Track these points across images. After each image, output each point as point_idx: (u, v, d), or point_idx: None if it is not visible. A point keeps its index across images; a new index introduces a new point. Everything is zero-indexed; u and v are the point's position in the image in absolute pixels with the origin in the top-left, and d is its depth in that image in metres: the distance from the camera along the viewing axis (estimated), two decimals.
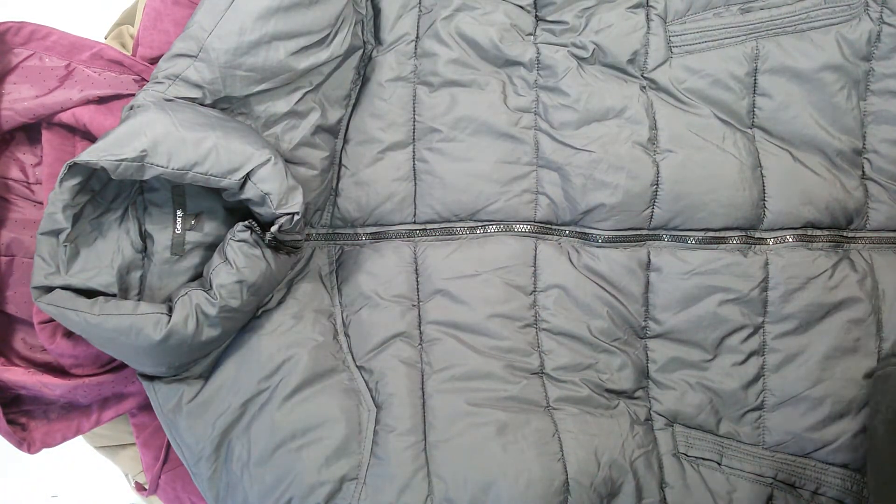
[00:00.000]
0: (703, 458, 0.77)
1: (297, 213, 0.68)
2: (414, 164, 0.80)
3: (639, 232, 0.79)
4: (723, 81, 0.79)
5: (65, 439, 0.78)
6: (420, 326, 0.78)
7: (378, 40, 0.80)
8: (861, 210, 0.80)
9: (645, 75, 0.80)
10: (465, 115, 0.79)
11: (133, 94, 0.75)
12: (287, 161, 0.73)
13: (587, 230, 0.79)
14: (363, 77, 0.80)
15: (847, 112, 0.80)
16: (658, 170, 0.77)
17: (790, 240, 0.79)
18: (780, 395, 0.78)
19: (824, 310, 0.77)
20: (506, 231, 0.80)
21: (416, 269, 0.79)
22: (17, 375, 0.72)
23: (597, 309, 0.78)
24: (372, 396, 0.74)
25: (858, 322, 0.77)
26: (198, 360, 0.72)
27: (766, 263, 0.78)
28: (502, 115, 0.79)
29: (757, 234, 0.79)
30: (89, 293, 0.69)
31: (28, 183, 0.78)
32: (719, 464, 0.77)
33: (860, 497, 0.75)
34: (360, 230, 0.80)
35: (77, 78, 0.75)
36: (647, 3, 0.80)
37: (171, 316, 0.67)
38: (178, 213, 0.73)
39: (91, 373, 0.76)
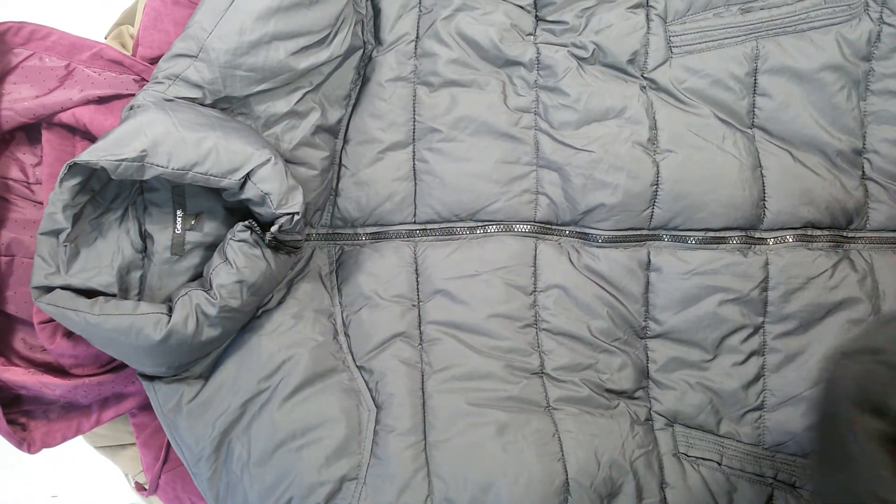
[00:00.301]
0: (704, 458, 0.77)
1: (297, 213, 0.68)
2: (414, 164, 0.80)
3: (639, 232, 0.79)
4: (723, 81, 0.79)
5: (65, 439, 0.78)
6: (420, 326, 0.78)
7: (378, 40, 0.80)
8: (861, 210, 0.80)
9: (645, 75, 0.80)
10: (465, 115, 0.79)
11: (133, 94, 0.75)
12: (287, 161, 0.73)
13: (587, 230, 0.79)
14: (363, 77, 0.80)
15: (847, 112, 0.80)
16: (658, 170, 0.77)
17: (790, 240, 0.79)
18: (781, 395, 0.78)
19: (824, 310, 0.77)
20: (506, 231, 0.80)
21: (416, 269, 0.79)
22: (17, 375, 0.72)
23: (597, 309, 0.78)
24: (372, 396, 0.74)
25: (858, 322, 0.77)
26: (198, 360, 0.72)
27: (766, 263, 0.78)
28: (502, 115, 0.79)
29: (757, 234, 0.79)
30: (89, 293, 0.69)
31: (28, 183, 0.78)
32: (719, 464, 0.77)
33: None
34: (360, 230, 0.80)
35: (77, 78, 0.75)
36: (647, 3, 0.80)
37: (171, 316, 0.67)
38: (178, 213, 0.73)
39: (91, 373, 0.76)
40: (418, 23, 0.80)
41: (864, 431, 0.46)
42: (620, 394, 0.78)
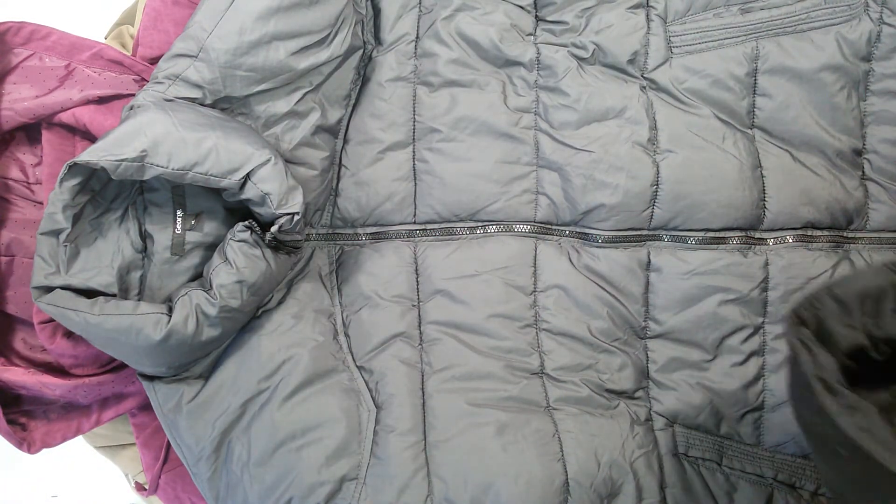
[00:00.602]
0: (704, 459, 0.77)
1: (297, 213, 0.68)
2: (414, 164, 0.80)
3: (639, 232, 0.79)
4: (723, 81, 0.79)
5: (65, 439, 0.78)
6: (420, 326, 0.78)
7: (378, 40, 0.80)
8: (861, 210, 0.80)
9: (645, 75, 0.80)
10: (465, 115, 0.79)
11: (133, 94, 0.75)
12: (287, 161, 0.73)
13: (587, 230, 0.79)
14: (363, 77, 0.80)
15: (847, 112, 0.80)
16: (658, 170, 0.77)
17: (790, 240, 0.79)
18: (780, 396, 0.78)
19: None
20: (506, 231, 0.80)
21: (416, 270, 0.79)
22: (17, 375, 0.72)
23: (597, 309, 0.78)
24: (372, 396, 0.74)
25: None
26: (198, 360, 0.72)
27: (767, 264, 0.78)
28: (502, 116, 0.79)
29: (757, 235, 0.79)
30: (89, 293, 0.69)
31: (28, 183, 0.78)
32: (719, 464, 0.77)
33: None
34: (360, 230, 0.80)
35: (77, 78, 0.75)
36: (648, 3, 0.80)
37: (171, 316, 0.67)
38: (178, 213, 0.73)
39: (91, 373, 0.76)
40: (418, 23, 0.80)
41: (797, 335, 0.52)
42: (620, 394, 0.78)
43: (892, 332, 0.52)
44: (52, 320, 0.71)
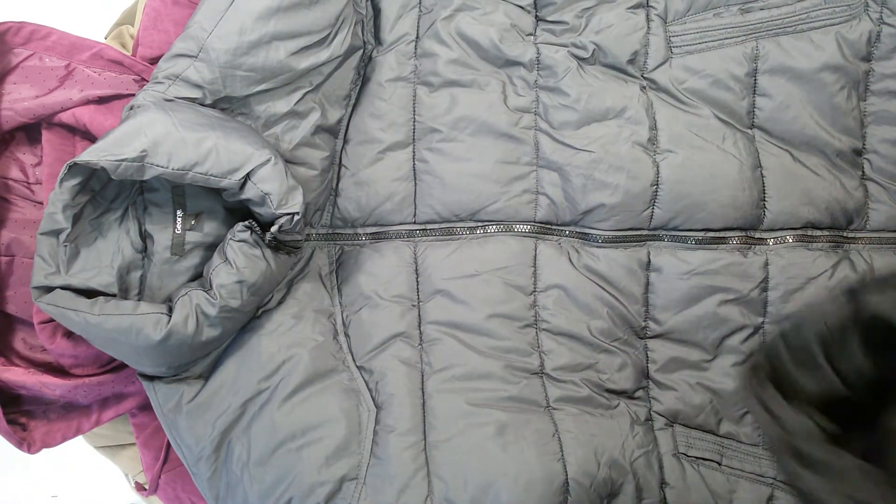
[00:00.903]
0: (704, 458, 0.77)
1: (297, 213, 0.68)
2: (414, 165, 0.80)
3: (639, 232, 0.79)
4: (723, 81, 0.79)
5: (65, 439, 0.78)
6: (420, 326, 0.78)
7: (378, 40, 0.80)
8: (861, 210, 0.80)
9: (645, 75, 0.80)
10: (465, 116, 0.79)
11: (133, 94, 0.75)
12: (287, 161, 0.73)
13: (587, 230, 0.80)
14: (363, 77, 0.80)
15: (847, 112, 0.80)
16: (658, 170, 0.77)
17: (790, 240, 0.79)
18: None
19: None
20: (506, 231, 0.80)
21: (416, 270, 0.79)
22: (17, 375, 0.72)
23: (597, 309, 0.78)
24: (372, 396, 0.74)
25: None
26: (198, 360, 0.72)
27: (766, 263, 0.78)
28: (502, 116, 0.79)
29: (757, 235, 0.79)
30: (89, 293, 0.69)
31: (28, 183, 0.78)
32: (719, 464, 0.77)
33: None
34: (360, 230, 0.80)
35: (77, 78, 0.75)
36: (648, 3, 0.80)
37: (171, 316, 0.67)
38: (178, 213, 0.73)
39: (91, 373, 0.76)
40: (418, 23, 0.80)
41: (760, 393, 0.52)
42: (620, 394, 0.78)
43: (865, 370, 0.49)
44: (52, 320, 0.71)
